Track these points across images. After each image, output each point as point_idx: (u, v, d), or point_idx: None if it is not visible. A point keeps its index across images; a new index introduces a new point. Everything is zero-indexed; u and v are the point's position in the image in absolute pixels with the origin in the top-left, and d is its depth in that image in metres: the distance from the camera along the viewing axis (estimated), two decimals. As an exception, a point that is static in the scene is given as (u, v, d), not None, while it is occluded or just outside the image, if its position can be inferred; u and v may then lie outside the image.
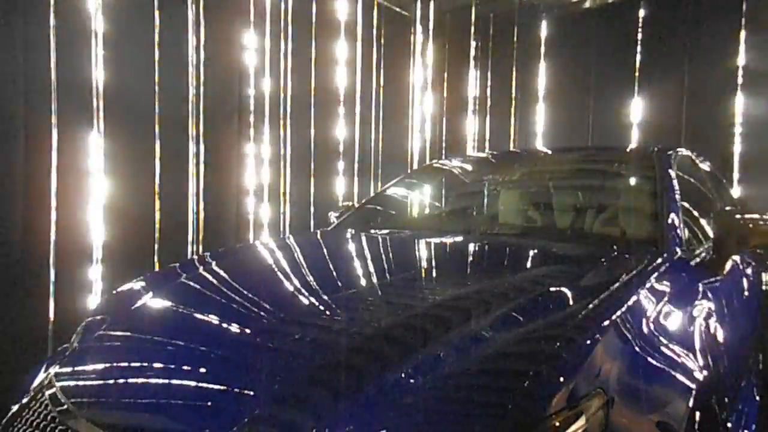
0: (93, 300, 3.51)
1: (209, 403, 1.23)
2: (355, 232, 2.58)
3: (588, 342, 1.25)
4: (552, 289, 1.60)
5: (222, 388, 1.26)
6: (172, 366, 1.38)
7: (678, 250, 1.96)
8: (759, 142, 4.98)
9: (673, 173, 2.32)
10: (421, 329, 1.38)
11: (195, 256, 3.85)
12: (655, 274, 1.70)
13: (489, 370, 1.22)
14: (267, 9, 4.61)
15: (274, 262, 2.15)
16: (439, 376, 1.17)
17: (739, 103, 5.07)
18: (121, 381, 1.41)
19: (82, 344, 1.66)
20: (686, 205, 2.26)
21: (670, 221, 2.06)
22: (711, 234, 2.12)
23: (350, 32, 5.38)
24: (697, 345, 1.60)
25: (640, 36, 5.61)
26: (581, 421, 1.11)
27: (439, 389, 1.15)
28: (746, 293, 2.47)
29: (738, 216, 2.04)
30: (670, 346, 1.47)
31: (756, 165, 5.00)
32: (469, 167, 3.33)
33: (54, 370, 1.55)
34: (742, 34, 5.07)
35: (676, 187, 2.25)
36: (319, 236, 2.74)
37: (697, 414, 1.44)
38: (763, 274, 2.93)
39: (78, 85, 3.44)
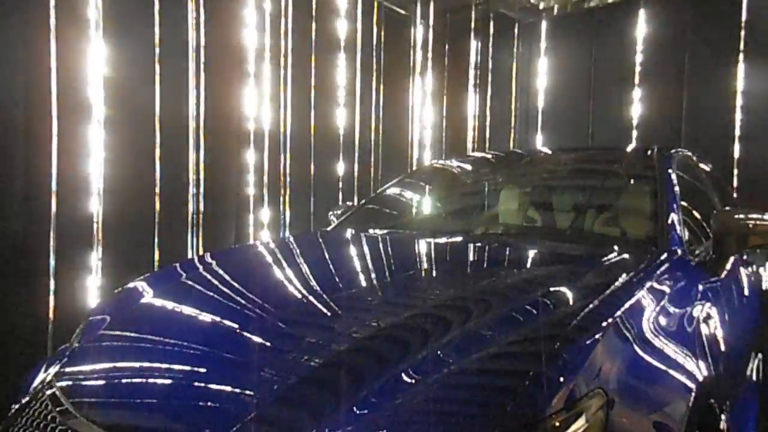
0: (93, 299, 3.51)
1: (209, 403, 1.23)
2: (355, 232, 2.57)
3: (588, 342, 1.25)
4: (552, 289, 1.60)
5: (222, 388, 1.26)
6: (173, 366, 1.38)
7: (678, 249, 1.96)
8: (759, 143, 4.98)
9: (673, 173, 2.32)
10: (420, 329, 1.38)
11: (195, 256, 3.86)
12: (655, 274, 1.70)
13: (489, 371, 1.22)
14: (267, 9, 4.61)
15: (274, 262, 2.15)
16: (439, 376, 1.17)
17: (740, 103, 5.07)
18: (122, 381, 1.41)
19: (82, 344, 1.66)
20: (686, 205, 2.25)
21: (669, 221, 2.06)
22: (711, 234, 2.12)
23: (350, 32, 5.38)
24: (697, 345, 1.60)
25: (640, 36, 5.60)
26: (581, 421, 1.11)
27: (439, 389, 1.15)
28: (746, 293, 2.47)
29: (738, 216, 2.04)
30: (670, 346, 1.47)
31: (756, 165, 5.00)
32: (469, 167, 3.33)
33: (54, 370, 1.55)
34: (743, 34, 5.07)
35: (676, 187, 2.25)
36: (319, 236, 2.74)
37: (697, 414, 1.44)
38: (763, 274, 2.93)
39: (78, 80, 3.44)
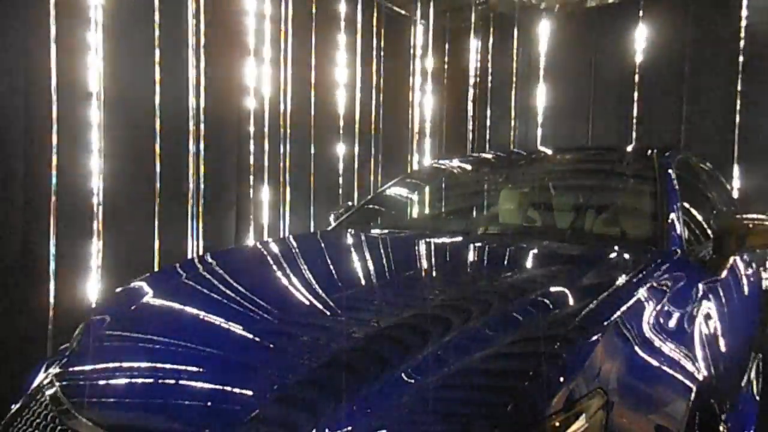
0: (93, 299, 3.51)
1: (209, 403, 1.23)
2: (355, 232, 2.58)
3: (588, 342, 1.25)
4: (552, 289, 1.60)
5: (222, 388, 1.26)
6: (173, 366, 1.38)
7: (678, 250, 1.96)
8: (759, 142, 4.98)
9: (673, 173, 2.32)
10: (420, 329, 1.38)
11: (195, 256, 3.87)
12: (655, 274, 1.70)
13: (489, 371, 1.22)
14: (267, 9, 4.61)
15: (274, 262, 2.15)
16: (439, 376, 1.17)
17: (740, 103, 5.07)
18: (121, 381, 1.41)
19: (82, 344, 1.66)
20: (686, 205, 2.26)
21: (669, 221, 2.06)
22: (711, 234, 2.12)
23: (350, 32, 5.38)
24: (697, 345, 1.60)
25: (640, 36, 5.60)
26: (581, 421, 1.11)
27: (439, 389, 1.15)
28: (746, 293, 2.47)
29: (738, 216, 2.05)
30: (670, 346, 1.47)
31: (756, 164, 5.00)
32: (469, 167, 3.34)
33: (54, 370, 1.55)
34: (743, 34, 5.07)
35: (676, 187, 2.25)
36: (319, 236, 2.74)
37: (697, 414, 1.45)
38: (763, 274, 2.93)
39: (77, 81, 3.44)
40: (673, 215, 2.08)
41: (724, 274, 2.10)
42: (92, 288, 3.52)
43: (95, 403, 1.36)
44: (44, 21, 3.24)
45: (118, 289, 2.00)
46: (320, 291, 1.70)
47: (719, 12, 5.24)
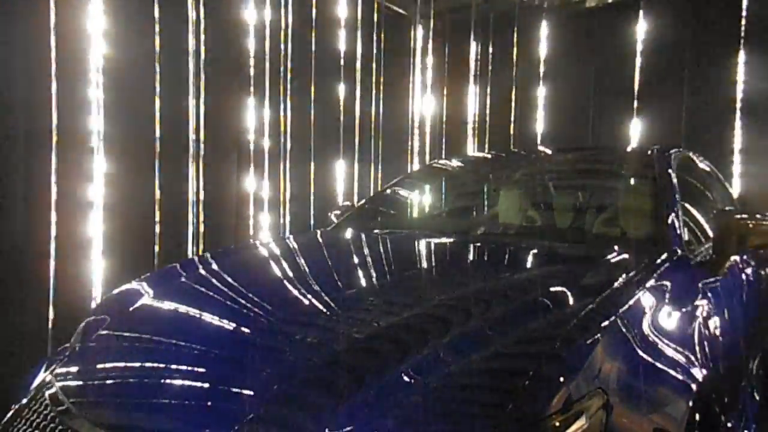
0: (93, 300, 3.51)
1: (209, 403, 1.23)
2: (355, 232, 2.58)
3: (588, 342, 1.25)
4: (552, 289, 1.60)
5: (222, 388, 1.26)
6: (172, 366, 1.38)
7: (678, 250, 1.96)
8: (759, 142, 4.98)
9: (673, 173, 2.32)
10: (421, 329, 1.38)
11: (195, 256, 3.86)
12: (655, 274, 1.70)
13: (489, 370, 1.22)
14: (267, 9, 4.61)
15: (274, 262, 2.15)
16: (439, 376, 1.17)
17: (740, 102, 5.07)
18: (121, 381, 1.41)
19: (82, 344, 1.66)
20: (686, 205, 2.26)
21: (669, 221, 2.06)
22: (711, 234, 2.12)
23: (350, 32, 5.38)
24: (697, 345, 1.60)
25: (640, 35, 5.61)
26: (581, 421, 1.11)
27: (439, 389, 1.15)
28: (746, 293, 2.47)
29: (738, 216, 2.04)
30: (670, 346, 1.47)
31: (756, 164, 5.00)
32: (469, 167, 3.33)
33: (54, 370, 1.55)
34: (743, 33, 5.07)
35: (676, 187, 2.25)
36: (319, 236, 2.75)
37: (697, 414, 1.45)
38: (763, 274, 2.93)
39: (77, 85, 3.44)
40: (673, 215, 2.08)
41: (724, 274, 2.10)
42: (92, 288, 3.52)
43: (95, 403, 1.36)
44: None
45: (118, 289, 2.00)
46: (320, 291, 1.70)
47: (719, 11, 5.24)
